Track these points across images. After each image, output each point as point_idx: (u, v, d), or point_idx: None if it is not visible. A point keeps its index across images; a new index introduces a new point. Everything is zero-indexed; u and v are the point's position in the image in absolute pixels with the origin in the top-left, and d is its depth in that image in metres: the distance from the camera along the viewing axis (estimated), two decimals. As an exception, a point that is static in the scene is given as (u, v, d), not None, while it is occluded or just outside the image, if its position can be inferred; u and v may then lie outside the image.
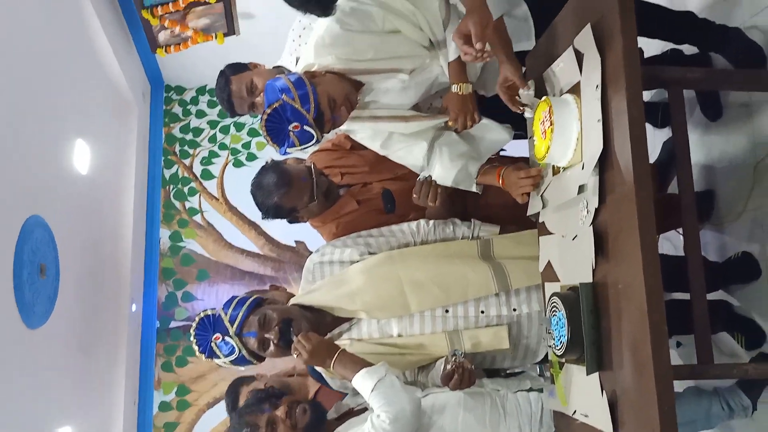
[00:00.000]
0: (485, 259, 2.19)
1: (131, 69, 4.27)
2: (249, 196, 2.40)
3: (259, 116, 2.05)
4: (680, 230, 2.19)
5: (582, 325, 1.64)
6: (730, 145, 2.54)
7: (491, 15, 1.77)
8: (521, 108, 1.97)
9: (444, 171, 2.19)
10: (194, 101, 4.75)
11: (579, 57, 1.75)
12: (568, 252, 1.82)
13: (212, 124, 4.72)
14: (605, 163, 1.62)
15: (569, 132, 1.74)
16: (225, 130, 4.69)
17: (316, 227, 2.53)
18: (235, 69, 2.54)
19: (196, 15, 4.07)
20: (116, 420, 3.99)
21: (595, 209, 1.65)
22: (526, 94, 1.93)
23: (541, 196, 1.99)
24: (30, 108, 3.04)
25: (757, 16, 2.37)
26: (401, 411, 1.85)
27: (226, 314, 2.11)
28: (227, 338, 2.09)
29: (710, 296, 2.40)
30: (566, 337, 1.66)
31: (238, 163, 4.63)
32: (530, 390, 2.08)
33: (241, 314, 2.10)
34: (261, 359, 2.19)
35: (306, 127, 1.98)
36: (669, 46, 2.65)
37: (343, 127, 2.23)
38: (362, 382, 1.90)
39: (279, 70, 2.58)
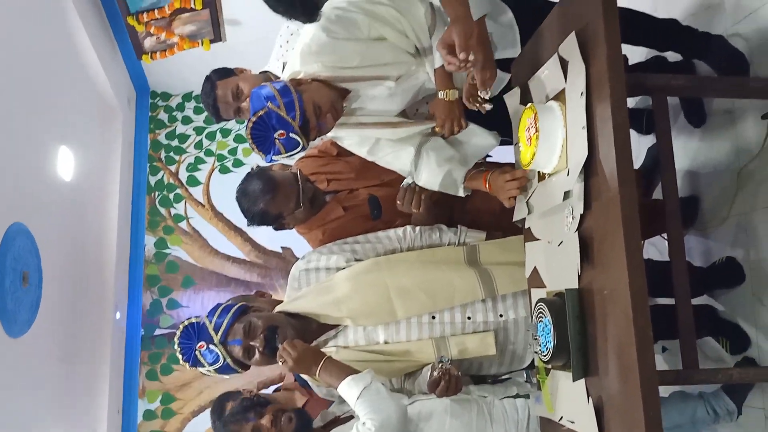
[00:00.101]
0: (471, 265, 2.19)
1: (116, 75, 4.25)
2: (235, 203, 2.39)
3: (246, 122, 2.05)
4: (665, 236, 2.20)
5: (568, 331, 1.64)
6: (714, 151, 2.56)
7: (475, 25, 1.78)
8: (476, 106, 1.98)
9: (430, 176, 2.19)
10: (180, 107, 4.73)
11: (564, 64, 1.76)
12: (554, 258, 1.82)
13: (198, 131, 4.70)
14: (590, 169, 1.62)
15: (554, 139, 1.75)
16: (211, 136, 4.67)
17: (302, 234, 2.52)
18: (221, 74, 2.53)
19: (182, 21, 4.07)
20: (100, 429, 3.95)
21: (581, 215, 1.65)
22: (486, 96, 1.93)
23: (527, 202, 1.99)
24: (12, 114, 3.01)
25: (740, 23, 2.40)
26: (387, 418, 1.84)
27: (210, 322, 2.09)
28: (212, 346, 2.07)
29: (695, 301, 2.42)
30: (552, 343, 1.66)
31: (224, 170, 4.61)
32: (517, 396, 2.07)
33: (225, 322, 2.08)
34: (246, 367, 2.18)
35: (291, 135, 1.98)
36: (653, 53, 2.67)
37: (330, 134, 2.22)
38: (348, 389, 1.89)
39: (266, 75, 2.57)
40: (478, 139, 2.25)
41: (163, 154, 4.65)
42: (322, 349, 2.11)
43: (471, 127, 2.20)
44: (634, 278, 1.42)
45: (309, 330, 2.19)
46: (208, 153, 4.65)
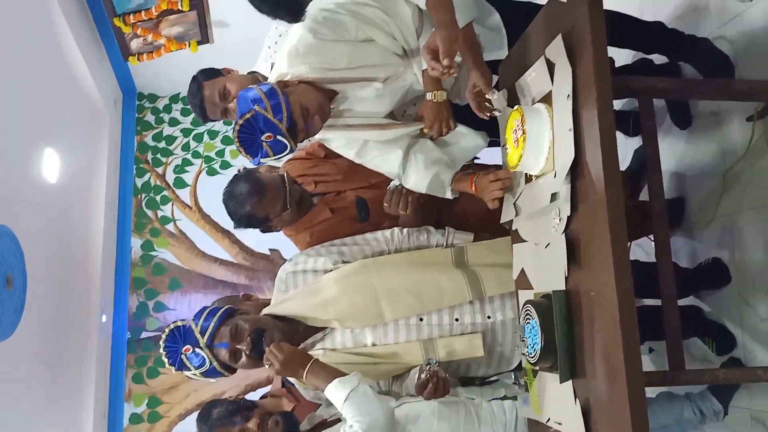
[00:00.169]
0: (459, 267, 2.19)
1: (103, 77, 4.22)
2: (222, 205, 2.37)
3: (233, 125, 2.04)
4: (652, 237, 2.21)
5: (555, 333, 1.64)
6: (700, 153, 2.57)
7: (460, 31, 1.77)
8: (488, 114, 1.99)
9: (418, 178, 2.19)
10: (167, 109, 4.71)
11: (550, 66, 1.76)
12: (541, 260, 1.82)
13: (185, 132, 4.67)
14: (577, 171, 1.62)
15: (541, 141, 1.75)
16: (198, 138, 4.65)
17: (290, 236, 2.51)
18: (208, 74, 2.52)
19: (170, 23, 4.04)
20: (86, 432, 3.92)
21: (568, 217, 1.65)
22: (495, 98, 1.94)
23: (515, 204, 2.00)
24: (-3, 116, 2.99)
25: (725, 26, 2.41)
26: (374, 421, 1.83)
27: (196, 325, 2.07)
28: (198, 350, 2.05)
29: (682, 302, 2.44)
30: (539, 345, 1.66)
31: (211, 171, 4.59)
32: (504, 398, 2.08)
33: (212, 325, 2.07)
34: (232, 371, 2.16)
35: (279, 137, 1.97)
36: (640, 55, 2.69)
37: (318, 136, 2.22)
38: (335, 392, 1.88)
39: (254, 76, 2.56)
40: (466, 140, 2.25)
41: (149, 156, 4.62)
42: (310, 352, 2.10)
43: (459, 128, 2.21)
44: (621, 281, 1.42)
45: (296, 333, 2.18)
46: (196, 155, 4.63)
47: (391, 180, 2.30)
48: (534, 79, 1.88)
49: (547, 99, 1.79)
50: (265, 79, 2.43)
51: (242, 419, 2.01)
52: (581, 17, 1.61)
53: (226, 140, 4.61)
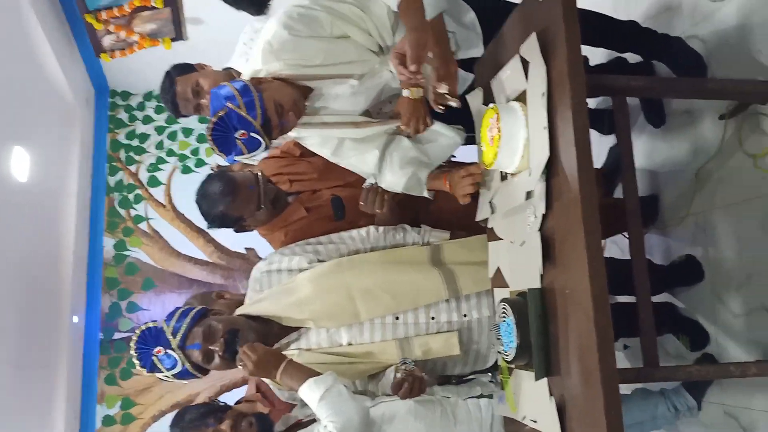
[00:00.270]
0: (435, 265, 2.19)
1: (74, 74, 4.15)
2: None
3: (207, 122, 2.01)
4: (627, 234, 2.23)
5: (530, 331, 1.64)
6: (674, 151, 2.60)
7: (428, 36, 1.76)
8: (441, 106, 1.95)
9: (394, 177, 2.18)
10: (141, 107, 4.64)
11: (525, 65, 1.76)
12: (517, 258, 1.82)
13: (159, 130, 4.61)
14: (552, 169, 1.62)
15: (516, 139, 1.75)
16: (173, 136, 4.59)
17: (264, 235, 2.49)
18: (181, 70, 2.49)
19: (143, 20, 4.00)
20: (57, 436, 3.86)
21: (543, 215, 1.65)
22: (443, 92, 1.91)
23: (490, 202, 2.00)
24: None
25: (698, 25, 2.44)
26: (349, 421, 1.82)
27: (168, 326, 2.04)
28: (170, 351, 2.02)
29: (656, 299, 2.46)
30: (515, 343, 1.66)
31: (186, 170, 4.53)
32: (481, 396, 2.08)
33: (184, 326, 2.04)
34: (205, 372, 2.13)
35: (253, 134, 1.95)
36: (614, 54, 2.70)
37: (293, 134, 2.20)
38: (309, 392, 1.86)
39: (228, 72, 2.53)
40: (443, 138, 2.24)
41: (123, 155, 4.55)
42: (285, 352, 2.09)
43: (436, 126, 2.20)
44: (595, 279, 1.42)
45: (271, 333, 2.16)
46: (170, 153, 4.57)
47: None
48: (509, 77, 1.88)
49: (522, 97, 1.79)
50: (240, 75, 2.40)
51: (215, 421, 1.99)
52: (555, 16, 1.61)
53: (200, 138, 4.56)
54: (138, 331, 2.06)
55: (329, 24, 2.01)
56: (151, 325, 2.07)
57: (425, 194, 2.21)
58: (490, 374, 2.22)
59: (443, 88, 1.90)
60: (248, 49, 2.55)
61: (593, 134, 2.83)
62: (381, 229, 2.28)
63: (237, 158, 2.00)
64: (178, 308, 2.12)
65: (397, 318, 2.12)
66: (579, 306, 1.47)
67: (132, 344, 2.05)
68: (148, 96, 4.63)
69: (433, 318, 2.12)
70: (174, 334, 2.03)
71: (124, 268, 4.35)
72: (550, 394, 1.60)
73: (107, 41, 4.06)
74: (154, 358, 2.03)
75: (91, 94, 4.53)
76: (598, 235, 1.47)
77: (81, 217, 4.22)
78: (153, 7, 3.85)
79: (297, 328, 2.17)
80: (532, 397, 1.70)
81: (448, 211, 2.34)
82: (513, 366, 1.78)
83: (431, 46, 1.77)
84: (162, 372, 2.05)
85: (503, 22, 1.97)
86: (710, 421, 2.35)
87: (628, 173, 2.14)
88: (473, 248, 2.20)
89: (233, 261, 4.38)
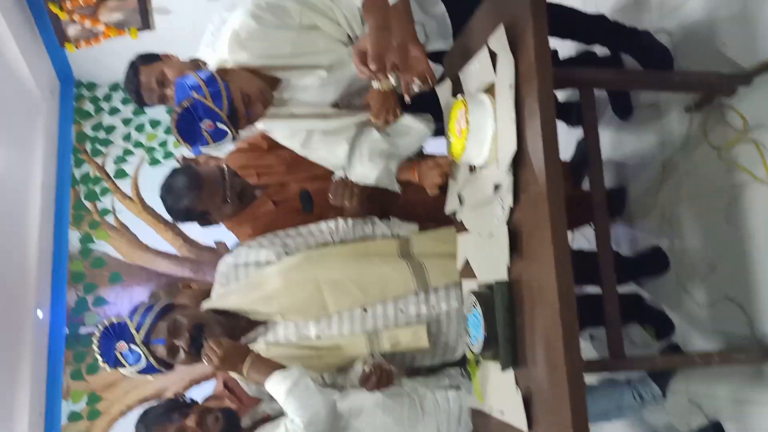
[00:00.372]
0: (404, 258, 2.18)
1: (38, 64, 4.06)
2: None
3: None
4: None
5: (497, 323, 1.65)
6: (641, 143, 2.62)
7: (391, 36, 1.73)
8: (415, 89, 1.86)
9: (365, 169, 2.17)
10: (107, 98, 4.56)
11: (493, 57, 1.76)
12: (485, 250, 1.83)
13: (126, 122, 4.53)
14: (519, 162, 1.63)
15: (484, 131, 1.75)
16: (140, 128, 4.51)
17: (231, 229, 2.46)
18: (146, 59, 2.45)
19: (109, 9, 3.93)
20: (20, 433, 3.79)
21: (511, 208, 1.66)
22: (392, 81, 1.86)
23: (459, 194, 2.00)
24: None
25: (665, 19, 2.46)
26: (315, 414, 1.81)
27: (132, 321, 2.01)
28: (133, 346, 1.99)
29: (622, 289, 2.49)
30: (482, 335, 1.66)
31: (154, 162, 4.46)
32: (449, 388, 2.08)
33: (148, 321, 2.01)
34: (170, 367, 2.11)
35: (219, 125, 1.92)
36: (584, 47, 2.72)
37: (261, 126, 2.18)
38: (276, 386, 1.85)
39: (195, 63, 2.50)
40: (412, 130, 2.24)
41: (88, 146, 4.47)
42: (252, 346, 2.07)
43: (405, 118, 2.19)
44: (561, 272, 1.43)
45: (237, 327, 2.14)
46: (137, 145, 4.49)
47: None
48: (477, 69, 1.87)
49: (490, 90, 1.78)
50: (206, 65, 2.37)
51: (180, 416, 1.96)
52: (523, 8, 1.60)
53: (168, 130, 4.48)
54: (101, 326, 2.03)
55: (298, 14, 1.98)
56: (114, 320, 2.03)
57: (396, 188, 2.20)
58: (459, 367, 2.23)
59: (389, 79, 1.85)
60: (215, 39, 2.51)
61: (562, 127, 2.85)
62: (350, 221, 2.26)
63: (203, 149, 1.97)
64: (142, 302, 2.09)
65: (366, 311, 2.11)
66: (545, 299, 1.48)
67: (95, 339, 2.02)
68: (114, 87, 4.55)
69: (401, 311, 2.12)
70: (138, 329, 2.00)
71: (91, 262, 4.27)
72: (517, 386, 1.61)
73: (72, 31, 3.98)
74: (117, 353, 1.99)
75: (55, 85, 4.43)
76: (565, 229, 1.47)
77: (46, 210, 4.14)
78: (119, -4, 3.78)
79: (264, 322, 2.16)
80: (499, 388, 1.71)
81: (418, 203, 2.33)
82: (480, 358, 1.79)
83: (396, 28, 1.74)
84: (125, 367, 2.02)
85: (473, 14, 1.96)
86: (675, 409, 2.38)
87: (594, 165, 2.15)
88: (442, 240, 2.20)
89: (203, 254, 4.32)
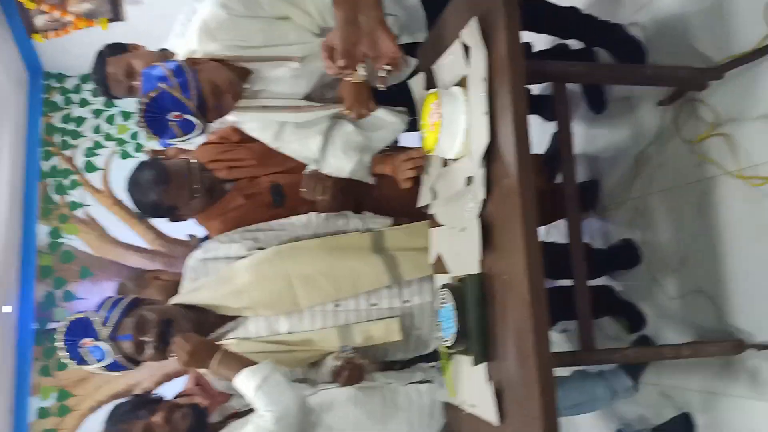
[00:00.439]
0: (377, 252, 2.16)
1: (5, 55, 3.98)
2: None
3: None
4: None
5: (468, 316, 1.64)
6: (614, 137, 2.63)
7: (360, 30, 1.70)
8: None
9: (339, 162, 2.15)
10: (77, 90, 4.48)
11: (467, 50, 1.75)
12: (457, 243, 1.82)
13: (96, 114, 4.46)
14: (492, 155, 1.62)
15: (456, 124, 1.74)
16: (111, 120, 4.45)
17: (201, 224, 2.42)
18: (114, 50, 2.40)
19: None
20: (-13, 430, 3.73)
21: (483, 201, 1.65)
22: (362, 71, 1.83)
23: (432, 187, 1.99)
24: None
25: (638, 13, 2.47)
26: (285, 409, 1.79)
27: (97, 317, 1.97)
28: (99, 343, 1.95)
29: (595, 282, 2.50)
30: (454, 329, 1.66)
31: (125, 155, 4.40)
32: (421, 382, 2.07)
33: (115, 316, 1.97)
34: (138, 363, 2.07)
35: (187, 116, 1.88)
36: (558, 40, 2.71)
37: (232, 118, 2.14)
38: (246, 382, 1.82)
39: (164, 54, 2.45)
40: (386, 122, 2.22)
41: (58, 139, 4.39)
42: (222, 342, 2.04)
43: (379, 111, 2.17)
44: (531, 266, 1.42)
45: (207, 322, 2.11)
46: (108, 137, 4.43)
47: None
48: (450, 62, 1.86)
49: (463, 83, 1.77)
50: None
51: (147, 413, 1.93)
52: (496, 1, 1.59)
53: (141, 122, 4.43)
54: (65, 323, 1.99)
55: (268, 3, 1.95)
56: (79, 315, 1.99)
57: (370, 180, 2.18)
58: (431, 361, 2.22)
59: (360, 70, 1.80)
60: (185, 30, 2.47)
61: (537, 120, 2.85)
62: (322, 215, 2.24)
63: (171, 141, 1.93)
64: (108, 297, 2.05)
65: (338, 305, 2.10)
66: (516, 293, 1.47)
67: (59, 336, 1.98)
68: (84, 78, 4.47)
69: (374, 304, 2.11)
70: (104, 324, 1.96)
71: (60, 256, 4.20)
72: (489, 379, 1.60)
73: (40, 21, 3.90)
74: (81, 349, 1.95)
75: (23, 77, 4.35)
76: (535, 223, 1.47)
77: (13, 204, 4.07)
78: (88, -14, 3.72)
79: (234, 318, 2.13)
80: (471, 382, 1.70)
81: (392, 197, 2.31)
82: (452, 351, 1.78)
83: (365, 17, 1.70)
84: (91, 364, 1.98)
85: (446, 6, 1.94)
86: (646, 401, 2.40)
87: (566, 159, 2.15)
88: (415, 234, 2.19)
89: (175, 248, 4.27)
